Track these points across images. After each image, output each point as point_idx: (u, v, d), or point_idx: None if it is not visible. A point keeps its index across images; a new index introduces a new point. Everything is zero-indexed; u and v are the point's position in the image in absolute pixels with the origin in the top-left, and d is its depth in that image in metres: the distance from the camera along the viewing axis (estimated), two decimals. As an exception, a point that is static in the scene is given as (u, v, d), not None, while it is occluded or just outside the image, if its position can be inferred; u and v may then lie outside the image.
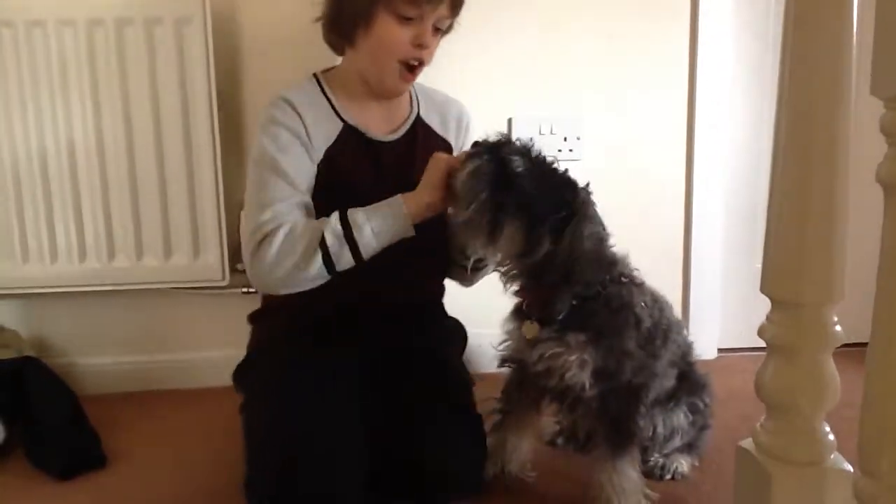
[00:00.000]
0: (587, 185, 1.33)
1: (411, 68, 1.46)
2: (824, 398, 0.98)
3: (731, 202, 2.27)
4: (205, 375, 2.06)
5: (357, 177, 1.48)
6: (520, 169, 1.24)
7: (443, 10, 1.42)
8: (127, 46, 1.89)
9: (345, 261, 1.36)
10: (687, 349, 1.53)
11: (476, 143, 1.32)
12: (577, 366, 1.30)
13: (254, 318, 1.63)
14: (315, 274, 1.35)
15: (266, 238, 1.35)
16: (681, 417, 1.50)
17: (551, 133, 2.12)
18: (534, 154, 1.29)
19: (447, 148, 1.62)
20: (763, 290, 1.01)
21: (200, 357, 2.09)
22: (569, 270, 1.27)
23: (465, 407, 1.48)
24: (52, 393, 1.79)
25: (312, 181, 1.45)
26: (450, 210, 1.38)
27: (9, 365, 1.80)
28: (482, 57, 2.08)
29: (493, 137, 1.32)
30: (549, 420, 1.58)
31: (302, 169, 1.43)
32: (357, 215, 1.36)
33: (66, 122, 1.90)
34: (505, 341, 1.43)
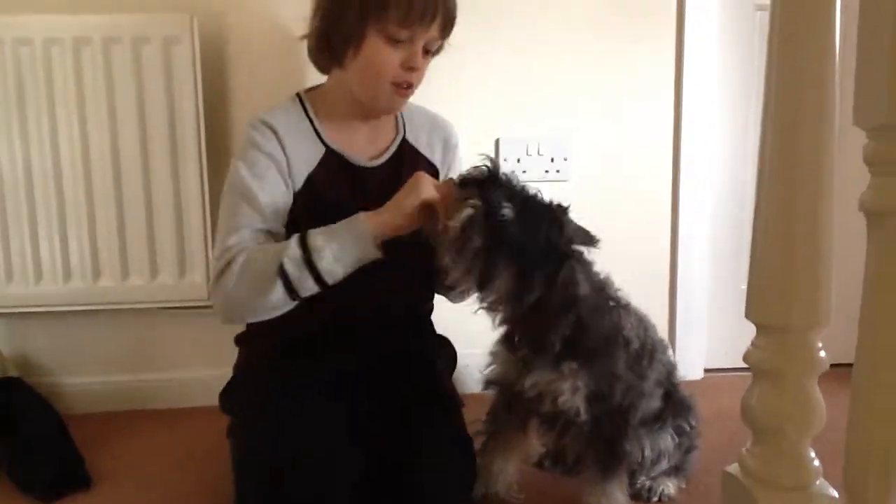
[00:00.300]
0: (567, 207, 1.30)
1: (403, 88, 1.45)
2: (810, 423, 0.98)
3: (717, 223, 2.28)
4: (190, 395, 2.05)
5: (339, 203, 1.45)
6: (509, 216, 1.21)
7: (433, 31, 1.41)
8: (114, 65, 1.88)
9: (307, 287, 1.31)
10: (672, 369, 1.53)
11: (463, 181, 1.29)
12: (570, 391, 1.30)
13: (239, 339, 1.62)
14: (277, 301, 1.32)
15: (227, 265, 1.33)
16: (667, 440, 1.50)
17: (538, 154, 2.13)
18: (520, 192, 1.27)
19: (433, 171, 1.60)
20: (748, 316, 1.02)
21: (186, 376, 2.07)
22: (564, 312, 1.27)
23: (457, 428, 1.46)
24: (36, 413, 1.77)
25: (286, 210, 1.43)
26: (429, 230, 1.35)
27: (-7, 386, 1.79)
28: (469, 77, 2.09)
29: (477, 169, 1.29)
30: (535, 442, 1.57)
31: (275, 197, 1.41)
32: (316, 239, 1.31)
33: (52, 140, 1.89)
34: (490, 364, 1.42)
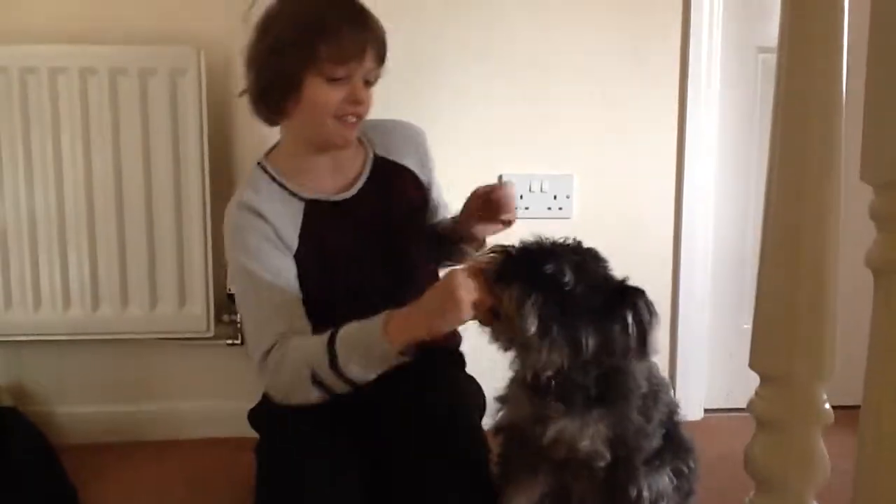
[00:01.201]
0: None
1: (350, 122, 1.43)
2: (814, 477, 0.97)
3: (718, 262, 2.28)
4: (188, 426, 2.03)
5: (335, 243, 1.46)
6: (570, 281, 1.21)
7: (369, 63, 1.40)
8: (120, 96, 1.90)
9: (344, 389, 1.32)
10: (673, 408, 1.51)
11: (499, 274, 1.21)
12: (590, 438, 1.28)
13: None
14: (321, 396, 1.33)
15: (263, 360, 1.36)
16: (665, 480, 1.48)
17: (541, 191, 2.14)
18: (552, 249, 1.26)
19: (413, 178, 1.59)
20: (752, 366, 1.01)
21: (183, 408, 2.06)
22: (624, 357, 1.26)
23: (480, 482, 1.41)
24: (29, 443, 1.77)
25: (294, 272, 1.43)
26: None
27: (-14, 415, 1.78)
28: (473, 114, 2.10)
29: (496, 254, 1.25)
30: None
31: (277, 267, 1.41)
32: (342, 350, 1.29)
33: (55, 169, 1.90)
34: (500, 409, 1.39)
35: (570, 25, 2.12)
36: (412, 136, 1.63)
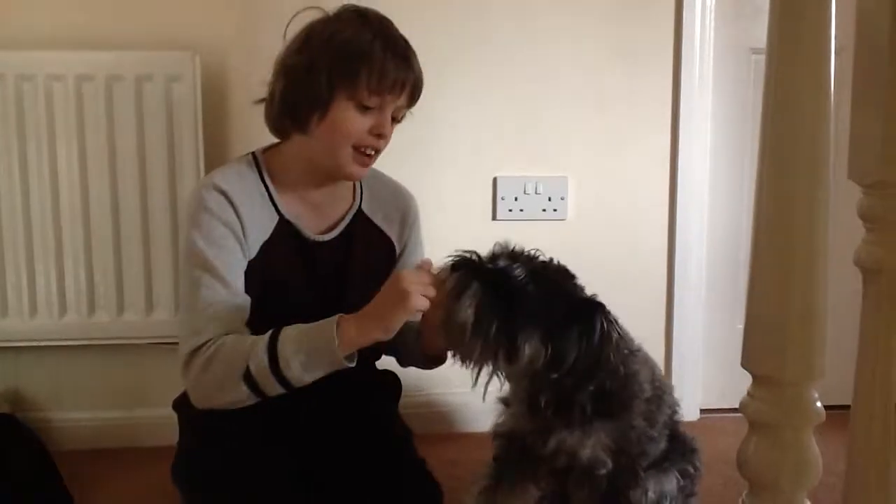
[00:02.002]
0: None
1: (366, 155, 1.42)
2: (806, 477, 0.97)
3: (713, 262, 2.29)
4: (183, 432, 2.03)
5: (289, 277, 1.43)
6: (521, 275, 1.16)
7: (403, 99, 1.40)
8: (116, 102, 1.89)
9: (274, 390, 1.28)
10: (675, 408, 1.52)
11: (454, 266, 1.20)
12: (592, 447, 1.28)
13: (178, 404, 1.55)
14: (241, 398, 1.29)
15: (193, 353, 1.31)
16: (672, 482, 1.48)
17: (536, 193, 2.14)
18: (519, 253, 1.23)
19: (388, 246, 1.57)
20: (744, 365, 1.01)
21: (179, 413, 2.06)
22: (597, 370, 1.22)
23: (410, 460, 1.50)
24: (25, 450, 1.76)
25: (242, 275, 1.39)
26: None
27: (-18, 421, 1.78)
28: (467, 116, 2.11)
29: (463, 254, 1.22)
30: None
31: (235, 266, 1.37)
32: (285, 348, 1.26)
33: (51, 175, 1.90)
34: (501, 415, 1.38)
35: (563, 28, 2.13)
36: (402, 206, 1.60)
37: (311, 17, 1.43)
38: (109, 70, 1.88)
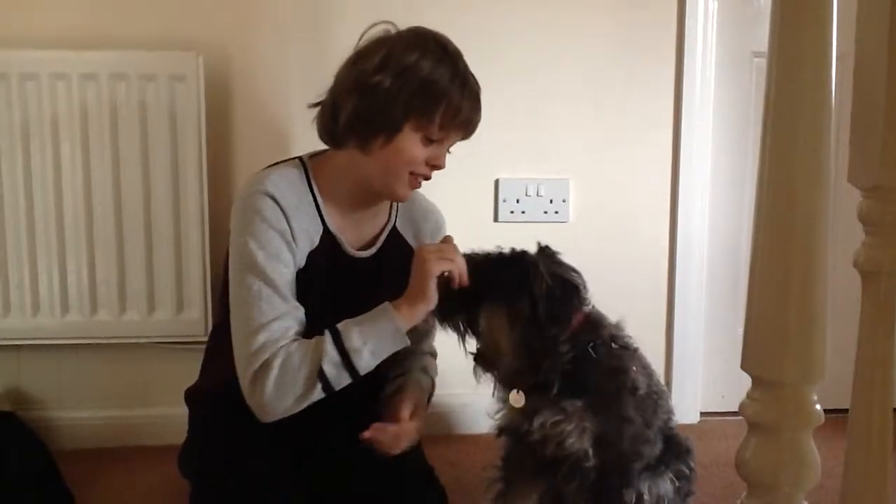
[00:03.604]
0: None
1: (418, 181, 1.46)
2: (805, 479, 0.97)
3: (714, 265, 2.29)
4: (185, 432, 2.03)
5: (327, 290, 1.44)
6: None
7: (462, 135, 1.46)
8: (119, 102, 1.90)
9: (343, 383, 1.33)
10: (671, 415, 1.53)
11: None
12: (577, 433, 1.29)
13: (190, 396, 1.59)
14: (315, 398, 1.33)
15: (262, 369, 1.31)
16: (667, 484, 1.49)
17: (538, 195, 2.15)
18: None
19: None
20: (744, 367, 1.02)
21: (181, 413, 2.05)
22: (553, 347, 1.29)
23: (417, 466, 1.51)
24: (26, 449, 1.77)
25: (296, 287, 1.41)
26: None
27: (-17, 420, 1.78)
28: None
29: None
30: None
31: (290, 277, 1.39)
32: (353, 339, 1.32)
33: (54, 175, 1.90)
34: (499, 410, 1.41)
35: (565, 31, 2.14)
36: (432, 226, 1.64)
37: (380, 30, 1.45)
38: (113, 69, 1.89)
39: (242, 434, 1.41)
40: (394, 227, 1.57)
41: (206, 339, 1.93)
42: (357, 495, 1.45)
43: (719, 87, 2.23)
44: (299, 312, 1.38)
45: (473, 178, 2.14)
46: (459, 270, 1.35)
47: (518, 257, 1.36)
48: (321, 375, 1.30)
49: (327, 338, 1.32)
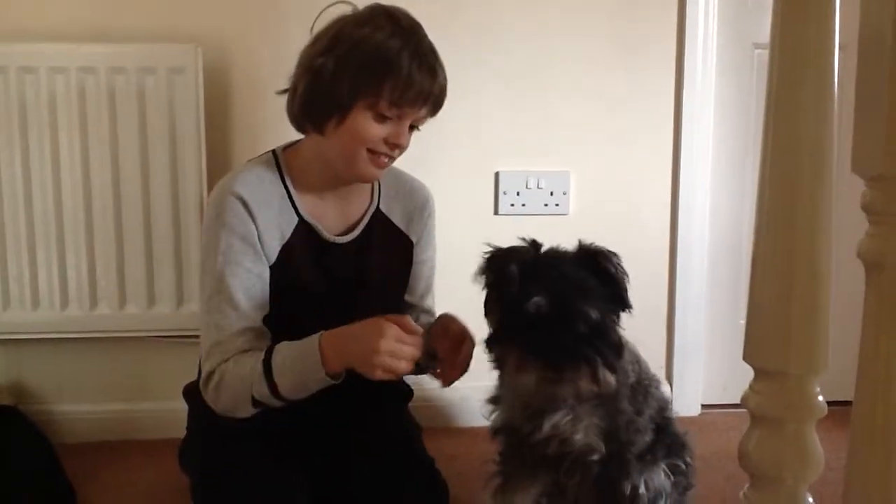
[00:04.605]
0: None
1: (381, 160, 1.41)
2: (808, 470, 0.97)
3: (715, 257, 2.29)
4: (185, 425, 2.03)
5: (307, 279, 1.45)
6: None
7: (423, 112, 1.40)
8: (118, 95, 1.89)
9: (279, 405, 1.34)
10: (664, 405, 1.52)
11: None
12: (584, 429, 1.29)
13: (188, 392, 1.60)
14: (256, 411, 1.36)
15: (207, 380, 1.37)
16: (661, 476, 1.48)
17: (538, 187, 2.14)
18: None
19: (406, 244, 1.58)
20: (746, 359, 1.01)
21: (181, 407, 2.06)
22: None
23: (417, 455, 1.52)
24: (29, 444, 1.77)
25: (266, 288, 1.41)
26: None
27: (-15, 413, 1.78)
28: (469, 111, 2.10)
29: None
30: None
31: (252, 284, 1.39)
32: (278, 374, 1.31)
33: (53, 169, 1.90)
34: (493, 411, 1.40)
35: (566, 22, 2.12)
36: (419, 203, 1.61)
37: (340, 11, 1.42)
38: (111, 63, 1.88)
39: (240, 429, 1.41)
40: (377, 208, 1.55)
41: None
42: (359, 487, 1.45)
43: (720, 78, 2.22)
44: (254, 323, 1.39)
45: (473, 171, 2.14)
46: (406, 369, 1.28)
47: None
48: (254, 401, 1.34)
49: (259, 368, 1.32)
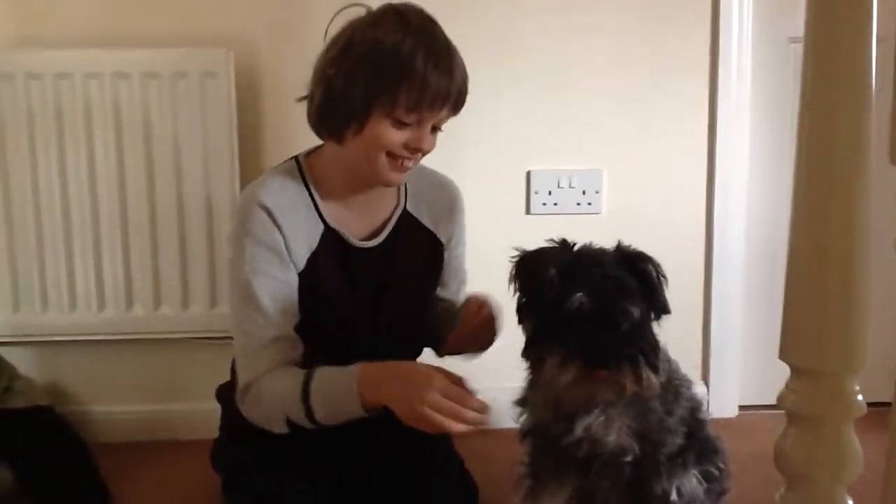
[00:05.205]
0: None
1: (401, 165, 1.39)
2: (846, 471, 0.95)
3: (752, 255, 2.25)
4: (218, 426, 2.04)
5: (334, 286, 1.44)
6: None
7: (444, 113, 1.36)
8: (152, 99, 1.92)
9: (314, 428, 1.35)
10: (697, 405, 1.49)
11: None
12: (617, 432, 1.27)
13: (221, 394, 1.62)
14: (287, 431, 1.37)
15: (244, 392, 1.38)
16: (693, 482, 1.45)
17: (570, 187, 2.13)
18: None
19: (434, 244, 1.56)
20: (782, 357, 0.99)
21: (215, 407, 2.07)
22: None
23: (446, 455, 1.53)
24: (64, 445, 1.79)
25: (295, 295, 1.40)
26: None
27: (22, 413, 1.81)
28: (502, 110, 2.09)
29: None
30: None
31: (279, 290, 1.38)
32: (316, 402, 1.31)
33: (89, 172, 1.93)
34: (521, 414, 1.38)
35: (598, 19, 2.10)
36: (447, 200, 1.59)
37: (353, 14, 1.40)
38: (145, 67, 1.90)
39: (270, 432, 1.42)
40: (404, 209, 1.53)
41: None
42: (387, 487, 1.45)
43: (755, 73, 2.18)
44: (284, 330, 1.39)
45: (505, 170, 2.12)
46: (446, 427, 1.21)
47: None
48: (289, 422, 1.35)
49: (297, 394, 1.32)
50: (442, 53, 1.33)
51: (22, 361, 2.02)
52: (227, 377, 1.66)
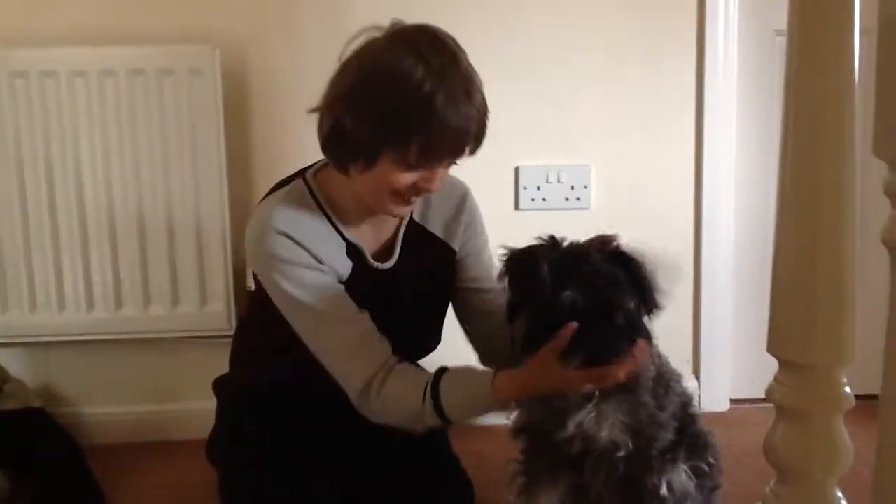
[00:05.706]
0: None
1: (406, 202, 1.34)
2: (836, 463, 0.95)
3: (741, 249, 2.25)
4: (211, 425, 2.03)
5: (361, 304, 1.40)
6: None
7: (461, 147, 1.30)
8: (138, 97, 1.90)
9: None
10: (687, 400, 1.49)
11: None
12: (610, 427, 1.27)
13: (218, 385, 1.62)
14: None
15: (363, 396, 1.34)
16: (683, 477, 1.45)
17: (558, 181, 2.12)
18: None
19: (445, 252, 1.52)
20: (770, 350, 0.99)
21: (208, 407, 2.06)
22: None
23: (442, 453, 1.53)
24: (57, 447, 1.78)
25: (345, 293, 1.37)
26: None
27: (14, 416, 1.80)
28: (489, 104, 2.07)
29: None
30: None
31: (335, 296, 1.35)
32: (452, 406, 1.31)
33: (75, 171, 1.91)
34: (516, 410, 1.38)
35: (585, 13, 2.10)
36: (455, 203, 1.53)
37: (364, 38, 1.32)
38: (130, 65, 1.89)
39: (270, 425, 1.43)
40: (411, 219, 1.49)
41: (229, 331, 1.94)
42: (384, 485, 1.45)
43: (742, 67, 2.19)
44: (366, 325, 1.36)
45: (493, 166, 2.11)
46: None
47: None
48: (421, 423, 1.34)
49: (428, 401, 1.31)
50: (461, 92, 1.24)
51: (12, 363, 2.02)
52: (215, 376, 1.66)
